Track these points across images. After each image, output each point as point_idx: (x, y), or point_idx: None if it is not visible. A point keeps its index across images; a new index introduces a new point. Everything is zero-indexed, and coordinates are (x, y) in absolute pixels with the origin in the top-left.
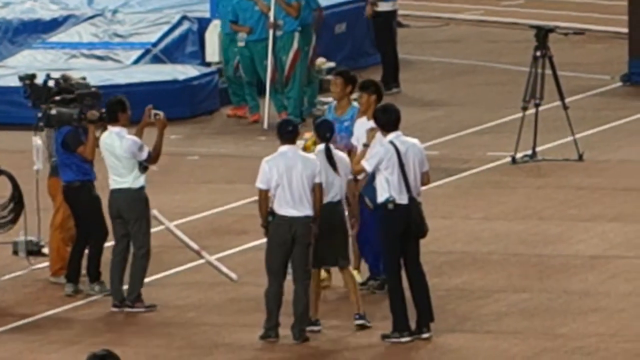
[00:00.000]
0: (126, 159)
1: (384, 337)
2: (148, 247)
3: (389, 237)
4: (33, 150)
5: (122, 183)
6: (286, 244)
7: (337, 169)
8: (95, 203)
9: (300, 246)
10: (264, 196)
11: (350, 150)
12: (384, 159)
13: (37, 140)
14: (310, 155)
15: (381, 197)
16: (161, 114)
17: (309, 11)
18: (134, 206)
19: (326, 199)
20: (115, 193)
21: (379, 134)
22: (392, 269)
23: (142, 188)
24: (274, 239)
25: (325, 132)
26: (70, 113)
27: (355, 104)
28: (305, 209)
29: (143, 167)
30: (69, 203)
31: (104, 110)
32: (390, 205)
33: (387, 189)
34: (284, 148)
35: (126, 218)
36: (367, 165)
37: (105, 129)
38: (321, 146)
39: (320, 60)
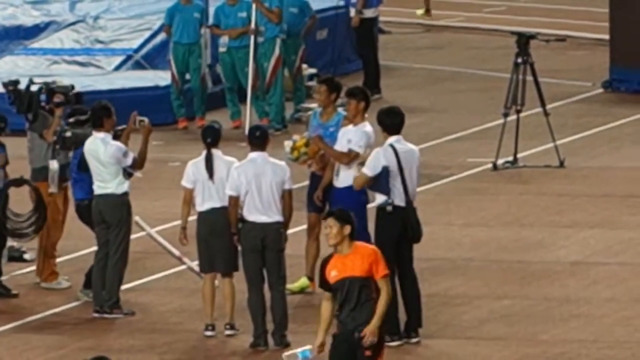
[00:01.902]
0: (110, 164)
1: None
2: (124, 252)
3: (385, 240)
4: (49, 174)
5: (106, 189)
6: (258, 250)
7: (214, 175)
8: None
9: (272, 252)
10: (234, 203)
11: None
12: (383, 162)
13: (54, 164)
14: (280, 162)
15: (380, 199)
16: (146, 120)
17: (302, 19)
18: (116, 211)
19: (211, 204)
20: (99, 198)
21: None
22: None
23: (125, 194)
24: (246, 245)
25: (206, 137)
26: (85, 134)
27: (340, 110)
28: (275, 215)
29: (128, 173)
30: (80, 220)
31: (119, 127)
32: (389, 208)
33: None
34: (254, 155)
35: (108, 223)
36: (368, 171)
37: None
38: (204, 152)
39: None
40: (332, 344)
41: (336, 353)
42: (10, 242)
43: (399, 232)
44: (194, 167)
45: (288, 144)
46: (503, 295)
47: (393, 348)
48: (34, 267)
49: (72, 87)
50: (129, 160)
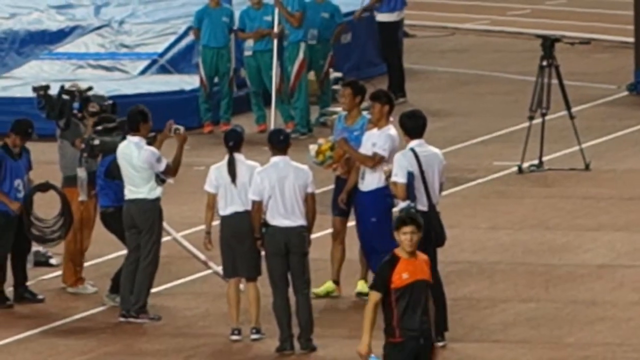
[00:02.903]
0: (143, 169)
1: None
2: (155, 257)
3: None
4: (78, 182)
5: (138, 193)
6: (282, 254)
7: (236, 179)
8: None
9: (296, 256)
10: (257, 207)
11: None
12: (408, 167)
13: (82, 172)
14: (302, 165)
15: (402, 204)
16: (181, 128)
17: (333, 24)
18: (147, 216)
19: (234, 209)
20: (130, 203)
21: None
22: None
23: (157, 199)
24: (270, 250)
25: (229, 141)
26: (113, 142)
27: (365, 114)
28: (298, 219)
29: (160, 179)
30: (105, 226)
31: (150, 134)
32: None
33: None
34: (276, 159)
35: (139, 228)
36: (399, 178)
37: None
38: (226, 157)
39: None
40: (396, 350)
41: None
42: (36, 247)
43: (423, 236)
44: (217, 172)
45: (313, 147)
46: (529, 298)
47: None
48: (60, 272)
49: (108, 97)
50: (162, 166)
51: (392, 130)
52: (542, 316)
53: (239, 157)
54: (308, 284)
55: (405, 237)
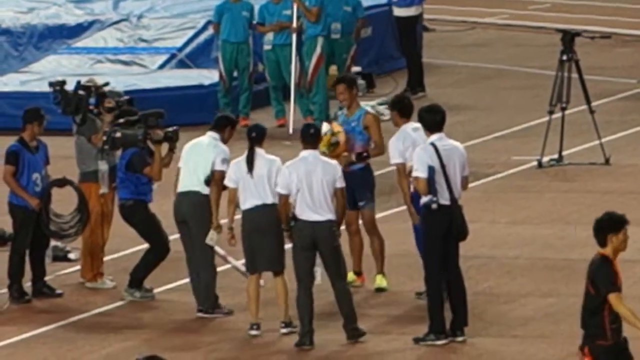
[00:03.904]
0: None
1: (417, 340)
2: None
3: (431, 238)
4: (99, 174)
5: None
6: (309, 249)
7: (253, 171)
8: (151, 220)
9: (327, 250)
10: (284, 201)
11: (365, 150)
12: (428, 161)
13: (104, 165)
14: (332, 160)
15: (424, 198)
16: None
17: (355, 17)
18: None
19: (252, 202)
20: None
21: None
22: (434, 271)
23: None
24: (297, 244)
25: (251, 132)
26: (134, 134)
27: (363, 105)
28: (326, 213)
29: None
30: (124, 220)
31: (169, 129)
32: (434, 206)
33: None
34: (305, 153)
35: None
36: (420, 172)
37: (171, 149)
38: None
39: (333, 67)
40: (608, 353)
41: None
42: (55, 242)
43: (445, 230)
44: (235, 167)
45: (326, 126)
46: (548, 293)
47: (438, 347)
48: (78, 267)
49: (124, 93)
50: (223, 167)
51: (400, 134)
52: (562, 311)
53: (259, 150)
54: (343, 276)
55: (625, 237)
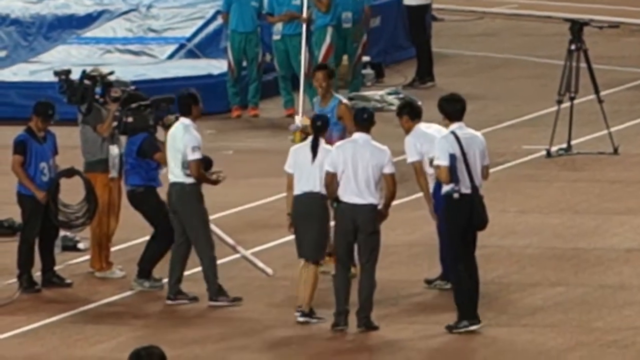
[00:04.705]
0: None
1: (450, 328)
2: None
3: (453, 227)
4: (109, 159)
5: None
6: (350, 232)
7: (316, 159)
8: (161, 207)
9: (363, 234)
10: (330, 179)
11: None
12: (450, 149)
13: (115, 150)
14: (382, 146)
15: (446, 187)
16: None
17: (362, 8)
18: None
19: (306, 188)
20: (170, 187)
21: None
22: (457, 260)
23: (194, 184)
24: (338, 226)
25: (316, 121)
26: (146, 119)
27: (337, 95)
28: (369, 197)
29: (185, 167)
30: (133, 206)
31: (179, 115)
32: (456, 195)
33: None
34: (357, 135)
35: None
36: (442, 161)
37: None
38: (310, 138)
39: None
40: None
41: None
42: (64, 232)
43: (466, 219)
44: (294, 153)
45: (299, 119)
46: (557, 282)
47: (455, 335)
48: (88, 257)
49: (131, 83)
50: (193, 156)
51: (414, 133)
52: (571, 300)
53: (321, 140)
54: (373, 262)
55: None
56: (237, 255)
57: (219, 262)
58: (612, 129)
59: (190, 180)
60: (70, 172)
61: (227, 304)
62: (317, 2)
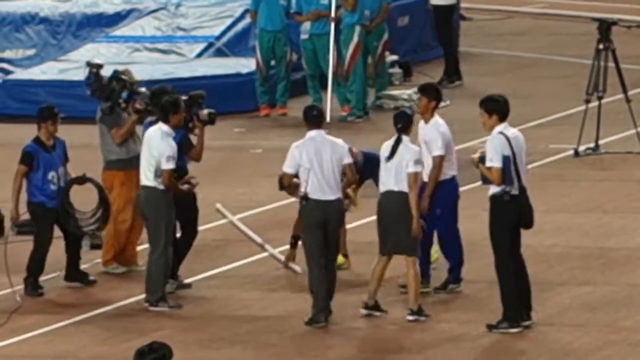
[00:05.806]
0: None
1: (491, 327)
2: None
3: (502, 228)
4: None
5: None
6: (320, 228)
7: (393, 158)
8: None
9: (332, 227)
10: (289, 180)
11: None
12: (504, 151)
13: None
14: (338, 139)
15: (496, 189)
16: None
17: (379, 5)
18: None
19: (386, 187)
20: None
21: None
22: (507, 261)
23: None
24: (309, 222)
25: (397, 122)
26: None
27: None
28: (336, 192)
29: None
30: None
31: (212, 110)
32: (506, 197)
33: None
34: (312, 133)
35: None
36: (495, 162)
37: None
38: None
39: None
40: None
41: None
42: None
43: (516, 219)
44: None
45: None
46: (585, 281)
47: (475, 334)
48: None
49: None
50: (167, 165)
51: (441, 126)
52: (598, 300)
53: (405, 138)
54: (335, 254)
55: None
56: (265, 254)
57: (246, 260)
58: None
59: (161, 186)
60: (82, 180)
61: (167, 309)
62: (343, 0)
